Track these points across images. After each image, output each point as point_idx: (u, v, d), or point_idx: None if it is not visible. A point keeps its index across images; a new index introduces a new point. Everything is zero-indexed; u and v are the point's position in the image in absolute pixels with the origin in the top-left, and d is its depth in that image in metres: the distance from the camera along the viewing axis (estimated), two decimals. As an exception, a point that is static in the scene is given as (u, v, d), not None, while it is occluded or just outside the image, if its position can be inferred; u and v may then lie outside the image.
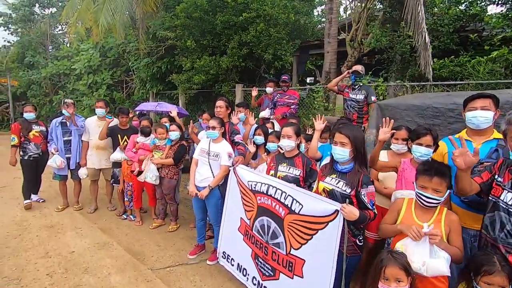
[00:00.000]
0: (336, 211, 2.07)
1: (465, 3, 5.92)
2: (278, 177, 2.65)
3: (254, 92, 5.53)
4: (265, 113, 5.28)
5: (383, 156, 2.78)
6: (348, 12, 9.51)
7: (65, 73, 14.36)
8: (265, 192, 2.56)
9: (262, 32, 6.99)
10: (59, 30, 19.53)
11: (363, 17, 6.54)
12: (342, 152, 2.17)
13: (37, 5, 17.97)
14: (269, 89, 5.46)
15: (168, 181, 4.07)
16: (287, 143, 2.68)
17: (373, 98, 3.99)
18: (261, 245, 2.60)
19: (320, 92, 6.13)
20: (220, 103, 3.64)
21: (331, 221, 2.11)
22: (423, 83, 4.90)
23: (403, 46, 5.89)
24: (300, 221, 2.28)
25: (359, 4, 7.03)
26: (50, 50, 17.87)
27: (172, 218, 4.33)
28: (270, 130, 3.69)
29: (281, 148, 2.92)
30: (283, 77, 5.06)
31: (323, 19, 9.39)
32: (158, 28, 8.57)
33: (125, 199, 4.58)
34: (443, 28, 5.50)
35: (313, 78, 11.76)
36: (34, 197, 5.22)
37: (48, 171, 5.13)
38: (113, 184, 4.77)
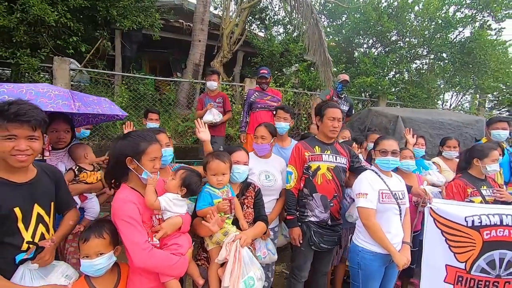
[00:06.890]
0: None
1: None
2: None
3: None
4: (212, 117, 3.62)
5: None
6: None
7: None
8: (498, 223, 2.25)
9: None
10: None
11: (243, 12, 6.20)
12: None
13: None
14: (212, 84, 3.78)
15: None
16: None
17: (353, 112, 4.16)
18: (487, 284, 2.28)
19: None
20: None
21: None
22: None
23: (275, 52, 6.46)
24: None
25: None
26: None
27: None
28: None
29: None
30: (261, 71, 3.66)
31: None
32: None
33: None
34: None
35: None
36: None
37: None
38: None
